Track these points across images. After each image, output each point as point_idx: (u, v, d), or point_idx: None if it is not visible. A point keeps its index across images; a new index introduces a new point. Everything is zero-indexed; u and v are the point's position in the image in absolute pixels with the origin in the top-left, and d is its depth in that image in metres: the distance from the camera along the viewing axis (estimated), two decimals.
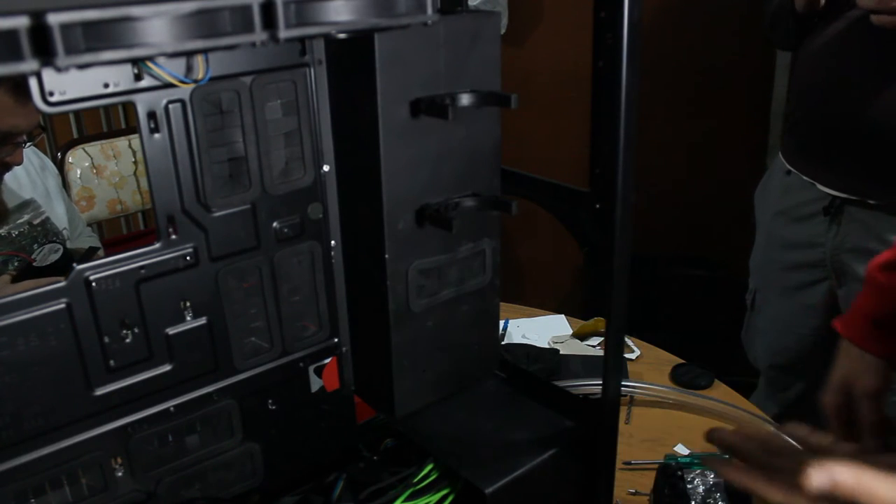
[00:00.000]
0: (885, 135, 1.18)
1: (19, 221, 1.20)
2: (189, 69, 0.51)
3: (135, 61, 0.47)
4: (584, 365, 1.23)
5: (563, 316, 1.42)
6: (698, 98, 2.24)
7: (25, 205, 1.23)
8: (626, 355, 1.28)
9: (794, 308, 1.44)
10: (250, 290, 0.60)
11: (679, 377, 1.20)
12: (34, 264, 1.13)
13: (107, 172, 1.80)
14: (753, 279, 1.55)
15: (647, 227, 2.14)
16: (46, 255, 1.15)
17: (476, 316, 0.68)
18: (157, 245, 0.55)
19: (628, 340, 1.30)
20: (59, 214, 1.38)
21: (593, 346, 1.31)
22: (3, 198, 1.18)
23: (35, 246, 1.20)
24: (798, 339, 1.46)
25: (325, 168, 0.62)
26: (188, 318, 0.58)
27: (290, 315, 0.63)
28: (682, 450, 1.03)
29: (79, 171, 1.76)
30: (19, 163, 1.14)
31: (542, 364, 1.20)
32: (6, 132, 1.07)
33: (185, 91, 0.52)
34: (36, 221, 1.22)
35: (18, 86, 1.03)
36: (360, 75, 0.56)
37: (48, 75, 0.43)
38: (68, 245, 1.34)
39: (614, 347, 0.62)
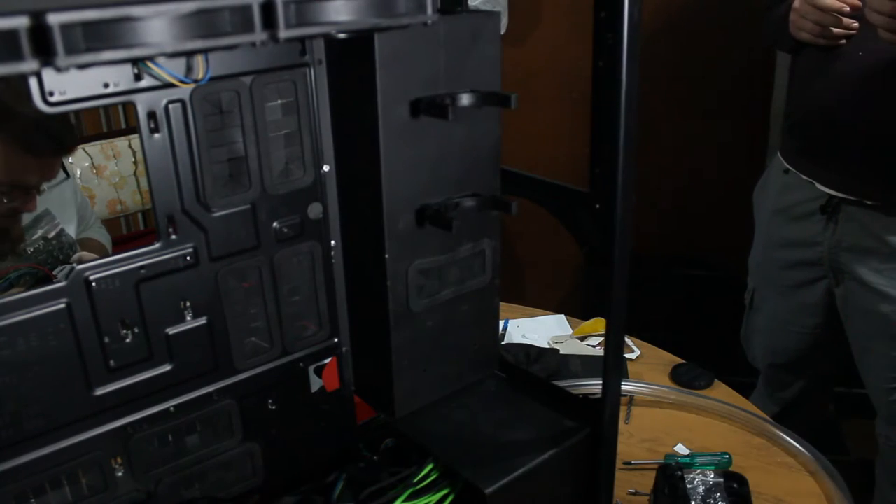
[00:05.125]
0: (885, 135, 1.18)
1: (34, 237, 1.20)
2: (189, 69, 0.51)
3: (135, 61, 0.47)
4: (584, 365, 1.23)
5: (563, 316, 1.42)
6: (698, 98, 2.24)
7: (40, 218, 1.23)
8: (626, 355, 1.27)
9: (792, 307, 1.44)
10: (250, 290, 0.60)
11: (679, 377, 1.19)
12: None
13: (107, 172, 1.80)
14: (752, 278, 1.55)
15: (646, 226, 2.14)
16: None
17: (476, 316, 0.68)
18: (157, 245, 0.55)
19: (628, 340, 1.30)
20: (71, 221, 1.37)
21: (593, 346, 1.31)
22: (20, 226, 1.17)
23: (50, 261, 1.20)
24: (796, 338, 1.46)
25: (325, 168, 0.62)
26: (188, 318, 0.58)
27: (290, 315, 0.63)
28: (682, 450, 1.03)
29: (79, 171, 1.76)
30: (32, 210, 1.14)
31: (542, 364, 1.20)
32: (18, 183, 1.07)
33: (185, 91, 0.52)
34: (51, 235, 1.22)
35: (29, 143, 1.04)
36: (360, 75, 0.56)
37: (48, 75, 0.43)
38: (78, 237, 1.34)
39: (614, 347, 0.62)
